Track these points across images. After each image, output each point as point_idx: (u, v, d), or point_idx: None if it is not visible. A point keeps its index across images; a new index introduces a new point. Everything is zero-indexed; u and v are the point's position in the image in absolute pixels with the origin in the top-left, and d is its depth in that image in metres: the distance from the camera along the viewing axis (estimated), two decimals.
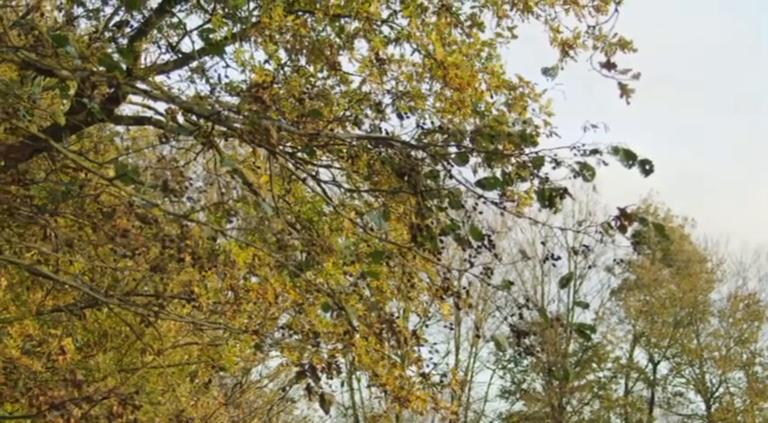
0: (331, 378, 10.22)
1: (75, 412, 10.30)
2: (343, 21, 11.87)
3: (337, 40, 11.90)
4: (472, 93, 12.02)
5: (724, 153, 72.45)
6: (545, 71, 9.75)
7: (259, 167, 11.03)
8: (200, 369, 18.82)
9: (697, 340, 52.75)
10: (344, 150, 10.20)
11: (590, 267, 50.62)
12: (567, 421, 50.70)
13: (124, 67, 7.32)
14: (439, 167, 7.63)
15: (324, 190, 11.15)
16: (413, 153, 7.63)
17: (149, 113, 12.32)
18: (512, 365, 52.67)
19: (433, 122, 11.67)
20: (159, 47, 12.89)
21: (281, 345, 12.02)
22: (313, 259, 8.89)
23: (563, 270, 51.79)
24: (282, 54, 12.03)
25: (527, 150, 7.36)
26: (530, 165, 7.30)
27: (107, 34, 12.25)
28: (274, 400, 30.98)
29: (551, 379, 50.17)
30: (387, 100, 11.98)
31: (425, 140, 8.37)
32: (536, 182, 7.38)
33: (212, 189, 11.30)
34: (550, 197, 7.26)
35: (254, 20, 11.62)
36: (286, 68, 12.21)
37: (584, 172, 7.13)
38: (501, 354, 50.78)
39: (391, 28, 12.24)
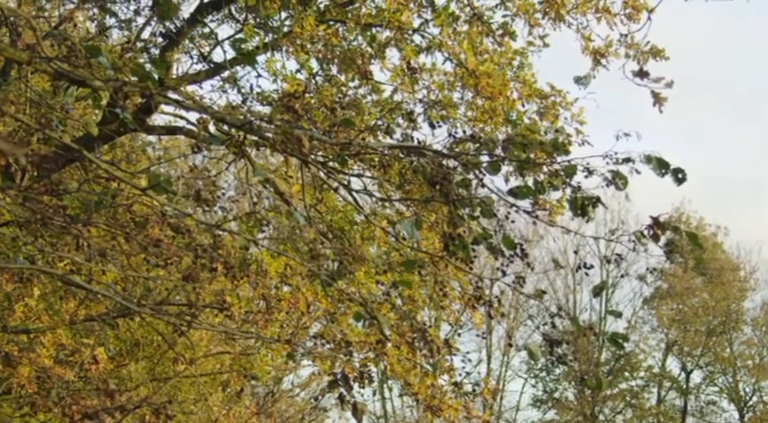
0: (363, 387, 10.24)
1: (107, 421, 10.34)
2: (374, 30, 11.87)
3: (369, 49, 11.90)
4: (504, 101, 12.00)
5: (756, 160, 71.93)
6: (577, 80, 9.75)
7: (291, 177, 11.02)
8: (232, 378, 18.87)
9: (730, 349, 52.40)
10: (376, 159, 10.19)
11: (622, 276, 50.34)
12: None
13: (156, 77, 7.33)
14: (471, 176, 7.59)
15: (355, 199, 11.13)
16: (444, 162, 7.60)
17: (181, 123, 12.36)
18: (544, 374, 52.49)
19: (464, 131, 11.63)
20: (191, 57, 12.98)
21: (313, 354, 12.01)
22: (345, 268, 8.88)
23: (595, 279, 51.46)
24: (314, 63, 12.05)
25: (559, 159, 7.32)
26: (562, 173, 7.26)
27: (139, 44, 12.32)
28: (306, 409, 31.02)
29: (584, 388, 49.95)
30: (418, 109, 11.97)
31: (457, 149, 8.33)
32: (568, 190, 7.34)
33: (244, 199, 11.29)
34: (582, 206, 7.22)
35: (285, 29, 11.64)
36: (318, 78, 12.23)
37: (617, 180, 7.08)
38: (533, 363, 50.71)
39: (423, 37, 12.24)
